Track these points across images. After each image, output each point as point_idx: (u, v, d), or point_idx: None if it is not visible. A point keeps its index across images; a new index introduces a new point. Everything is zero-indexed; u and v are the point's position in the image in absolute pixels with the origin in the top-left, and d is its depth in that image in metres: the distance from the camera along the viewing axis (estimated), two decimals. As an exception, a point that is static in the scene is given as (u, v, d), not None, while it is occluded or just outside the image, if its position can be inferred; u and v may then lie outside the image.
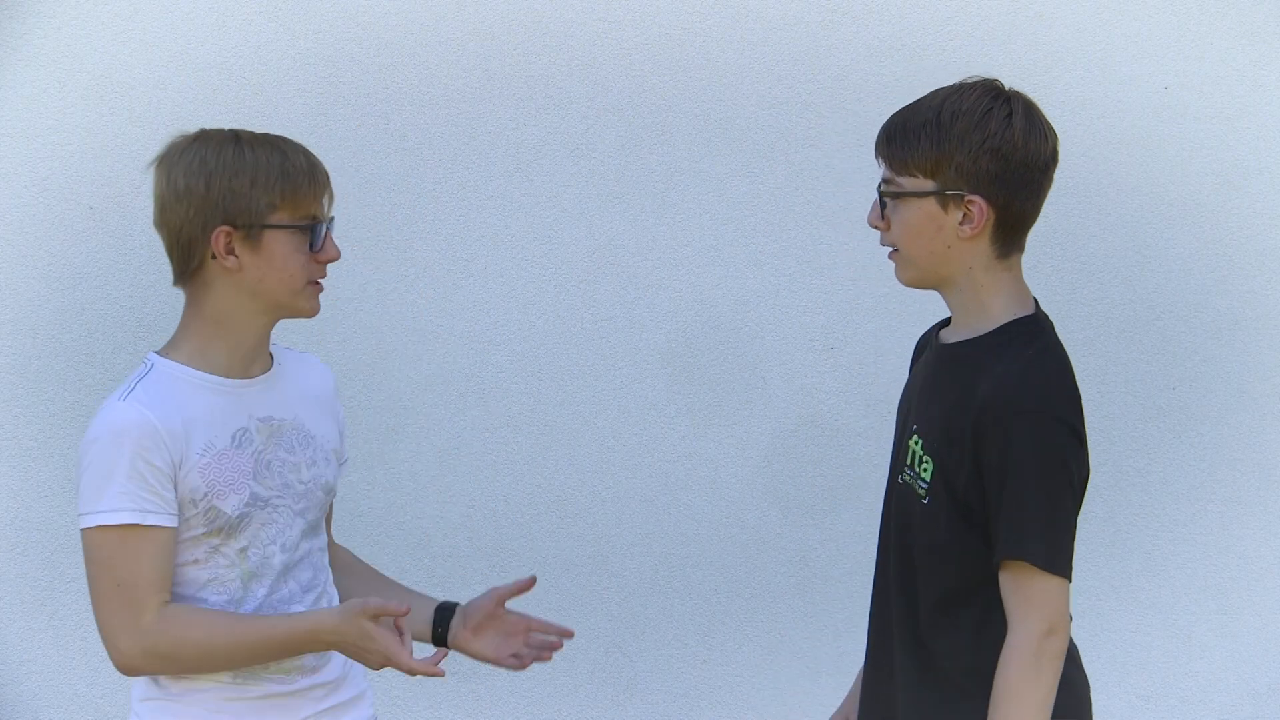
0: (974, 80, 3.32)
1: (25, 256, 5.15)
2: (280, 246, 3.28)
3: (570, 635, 3.50)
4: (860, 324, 5.29)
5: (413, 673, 3.20)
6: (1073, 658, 3.34)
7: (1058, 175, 3.38)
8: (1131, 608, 5.40)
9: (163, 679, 3.30)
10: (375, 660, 3.23)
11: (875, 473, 5.29)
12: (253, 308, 3.31)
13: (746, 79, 5.26)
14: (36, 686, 5.21)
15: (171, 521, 3.23)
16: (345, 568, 3.58)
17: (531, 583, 3.46)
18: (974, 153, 3.24)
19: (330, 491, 3.44)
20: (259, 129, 3.38)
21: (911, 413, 3.39)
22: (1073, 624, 3.41)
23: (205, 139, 3.29)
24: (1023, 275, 3.37)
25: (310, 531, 3.40)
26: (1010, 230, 3.29)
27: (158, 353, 3.32)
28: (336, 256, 3.34)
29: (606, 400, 5.29)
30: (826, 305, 5.27)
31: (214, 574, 3.30)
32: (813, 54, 5.27)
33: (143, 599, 3.22)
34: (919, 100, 3.33)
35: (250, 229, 3.25)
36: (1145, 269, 5.32)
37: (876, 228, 3.37)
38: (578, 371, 5.28)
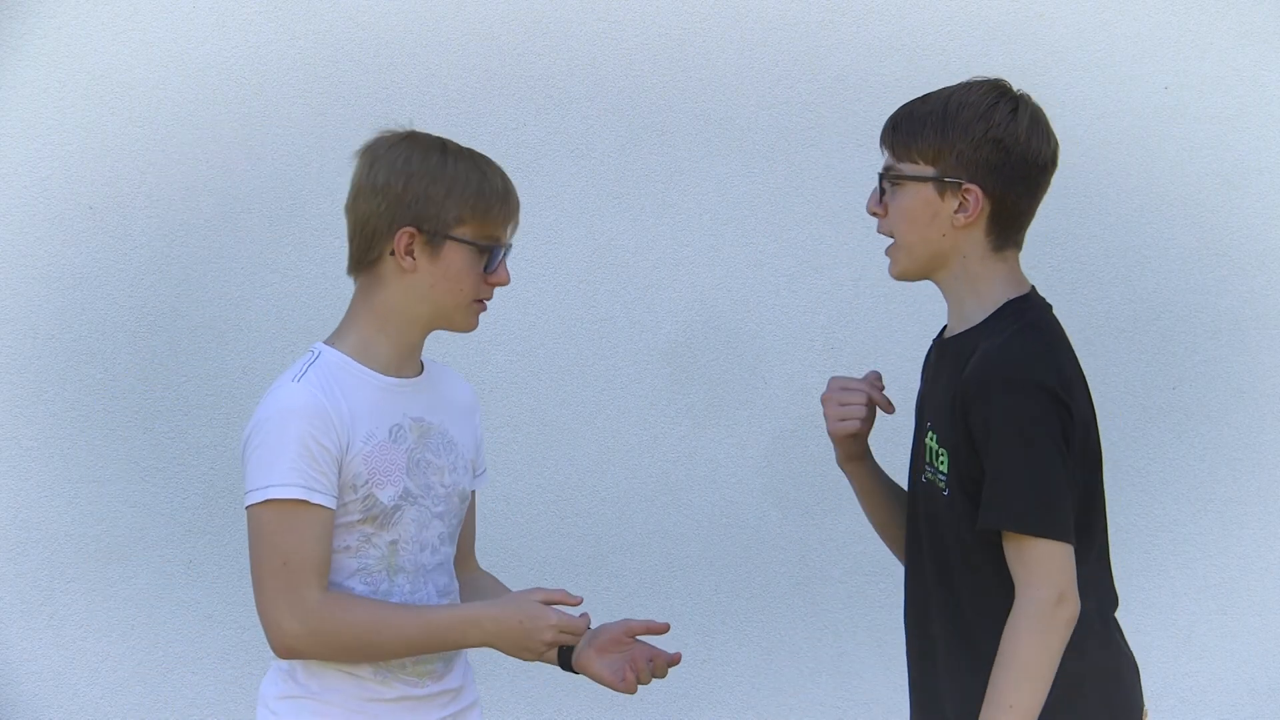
0: (982, 79, 3.37)
1: (25, 256, 5.16)
2: (458, 259, 3.34)
3: (664, 630, 3.61)
4: (860, 324, 5.29)
5: (579, 634, 3.38)
6: (1118, 647, 3.34)
7: (1058, 175, 3.39)
8: (1131, 608, 5.39)
9: (301, 676, 3.32)
10: (545, 639, 3.33)
11: (875, 473, 5.30)
12: (418, 311, 3.37)
13: (746, 79, 5.26)
14: (36, 687, 5.21)
15: (334, 505, 3.27)
16: (479, 590, 3.61)
17: (665, 628, 3.64)
18: (976, 141, 3.28)
19: (465, 499, 3.50)
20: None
21: (925, 411, 3.42)
22: (1111, 609, 3.40)
23: (414, 140, 3.36)
24: (1019, 267, 3.39)
25: (448, 537, 3.45)
26: (1005, 223, 3.32)
27: (324, 342, 3.37)
28: (507, 282, 3.40)
29: (606, 400, 5.29)
30: (826, 305, 5.27)
31: (363, 564, 3.33)
32: (813, 54, 5.27)
33: (309, 578, 3.24)
34: (928, 93, 3.38)
35: (434, 235, 3.32)
36: (1145, 269, 5.32)
37: (874, 214, 3.41)
38: (578, 371, 5.28)
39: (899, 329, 5.25)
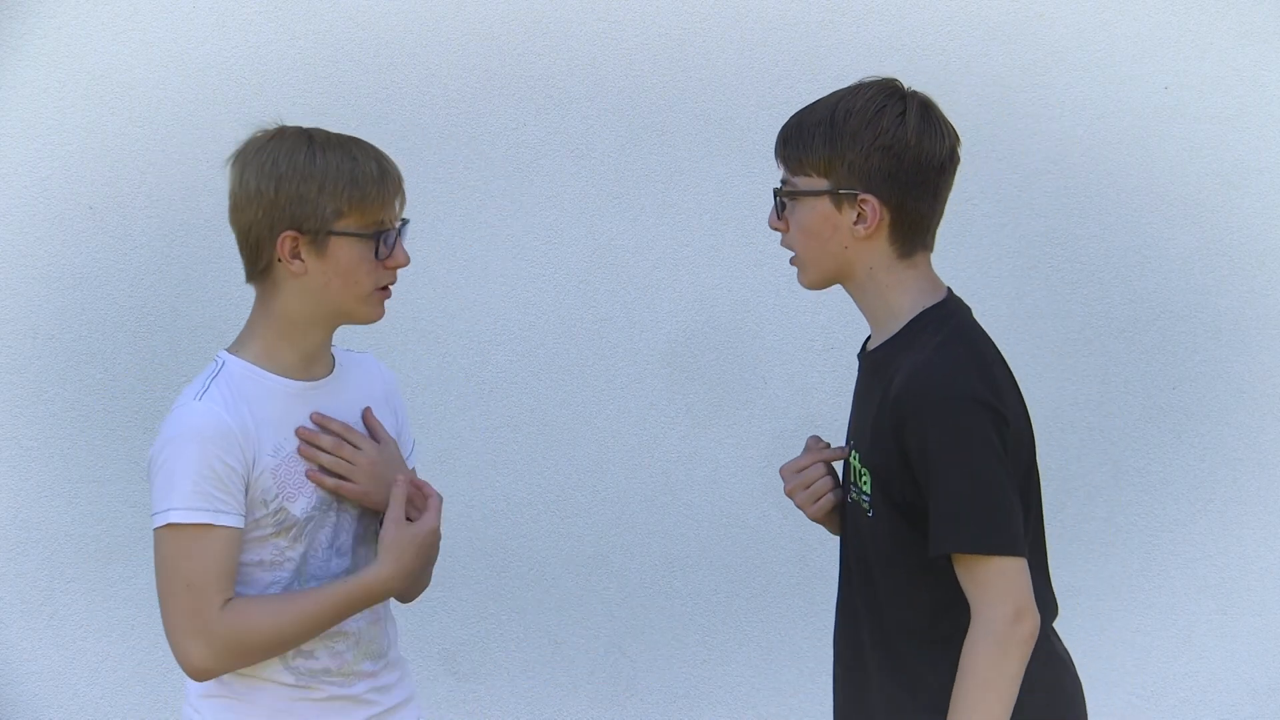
0: (872, 80, 3.29)
1: (25, 256, 5.16)
2: (346, 253, 3.27)
3: None
4: (860, 324, 5.27)
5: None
6: (1059, 658, 3.28)
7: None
8: (1131, 608, 5.40)
9: (226, 676, 3.30)
10: (433, 542, 3.29)
11: (875, 473, 5.30)
12: (317, 312, 3.30)
13: (746, 79, 5.26)
14: (37, 687, 5.21)
15: (241, 522, 3.24)
16: None
17: None
18: (865, 150, 3.20)
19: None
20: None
21: (851, 428, 3.37)
22: (1062, 621, 3.38)
23: (281, 138, 3.30)
24: (932, 269, 3.31)
25: (367, 537, 3.40)
26: (909, 230, 3.24)
27: (227, 350, 3.32)
28: (405, 262, 3.33)
29: (606, 400, 5.29)
30: (826, 305, 5.27)
31: (276, 576, 3.30)
32: (813, 54, 5.27)
33: (210, 598, 3.21)
34: (815, 101, 3.29)
35: (316, 235, 3.25)
36: (1145, 269, 5.32)
37: (775, 229, 3.32)
38: (578, 371, 5.28)
39: (899, 329, 5.26)
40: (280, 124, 3.35)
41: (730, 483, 5.31)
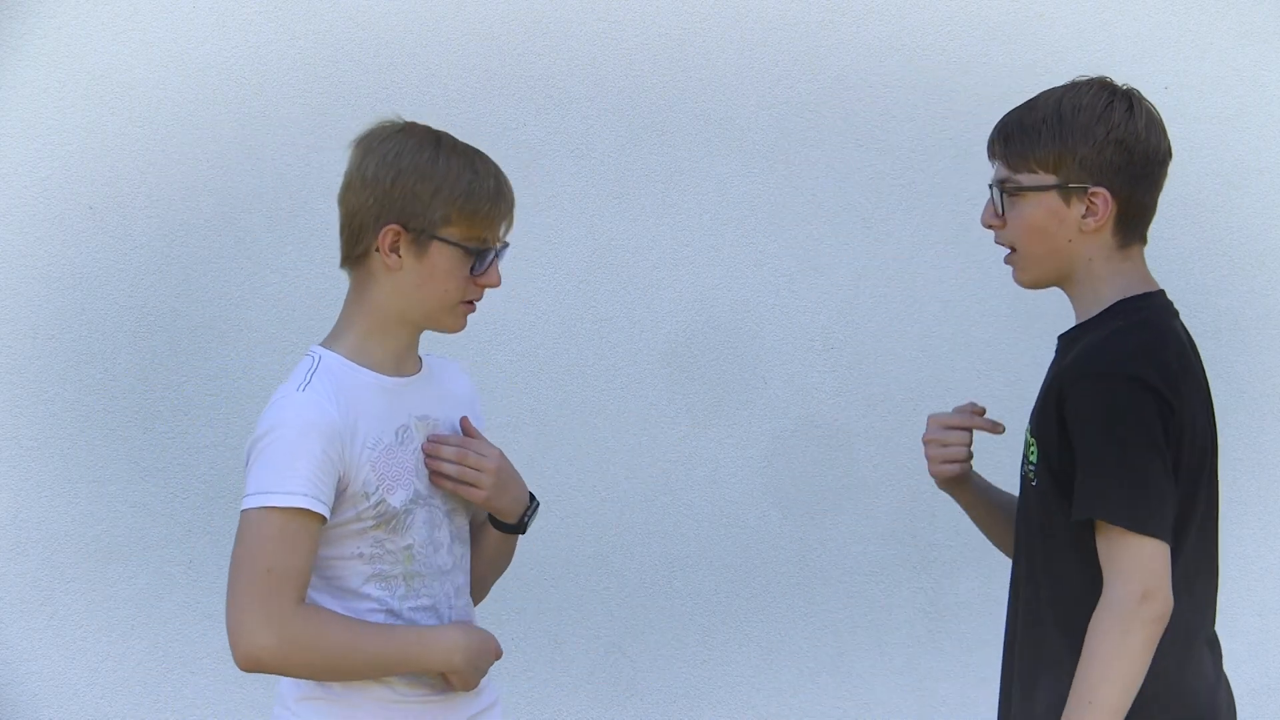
0: (1085, 78, 3.34)
1: (25, 256, 5.15)
2: (443, 260, 3.28)
3: None
4: (860, 324, 5.29)
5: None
6: (1193, 663, 3.26)
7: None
8: (1131, 608, 5.40)
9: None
10: (490, 657, 3.34)
11: (875, 473, 5.29)
12: (405, 310, 3.31)
13: (746, 79, 5.26)
14: (36, 686, 5.21)
15: (329, 517, 3.23)
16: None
17: None
18: (1099, 145, 3.26)
19: None
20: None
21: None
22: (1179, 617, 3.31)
23: (408, 133, 3.29)
24: (1144, 263, 3.37)
25: (460, 536, 3.42)
26: (1131, 221, 3.31)
27: (324, 346, 3.31)
28: (496, 283, 3.33)
29: (606, 400, 5.29)
30: (826, 305, 5.27)
31: (378, 569, 3.29)
32: (813, 54, 5.27)
33: (288, 590, 3.18)
34: (1031, 100, 3.33)
35: (419, 235, 3.26)
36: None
37: (991, 226, 3.36)
38: (578, 371, 5.28)
39: (899, 329, 5.25)
40: (409, 120, 3.35)
41: (730, 483, 5.31)
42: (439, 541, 3.36)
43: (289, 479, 3.18)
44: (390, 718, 3.30)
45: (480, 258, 3.30)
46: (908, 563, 5.29)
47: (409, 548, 3.31)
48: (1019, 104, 3.36)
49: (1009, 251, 3.36)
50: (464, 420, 3.44)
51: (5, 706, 5.21)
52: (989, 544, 3.63)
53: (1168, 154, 3.35)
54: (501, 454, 3.42)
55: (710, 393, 5.31)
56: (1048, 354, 3.45)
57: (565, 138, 5.23)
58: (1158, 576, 3.11)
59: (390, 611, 3.30)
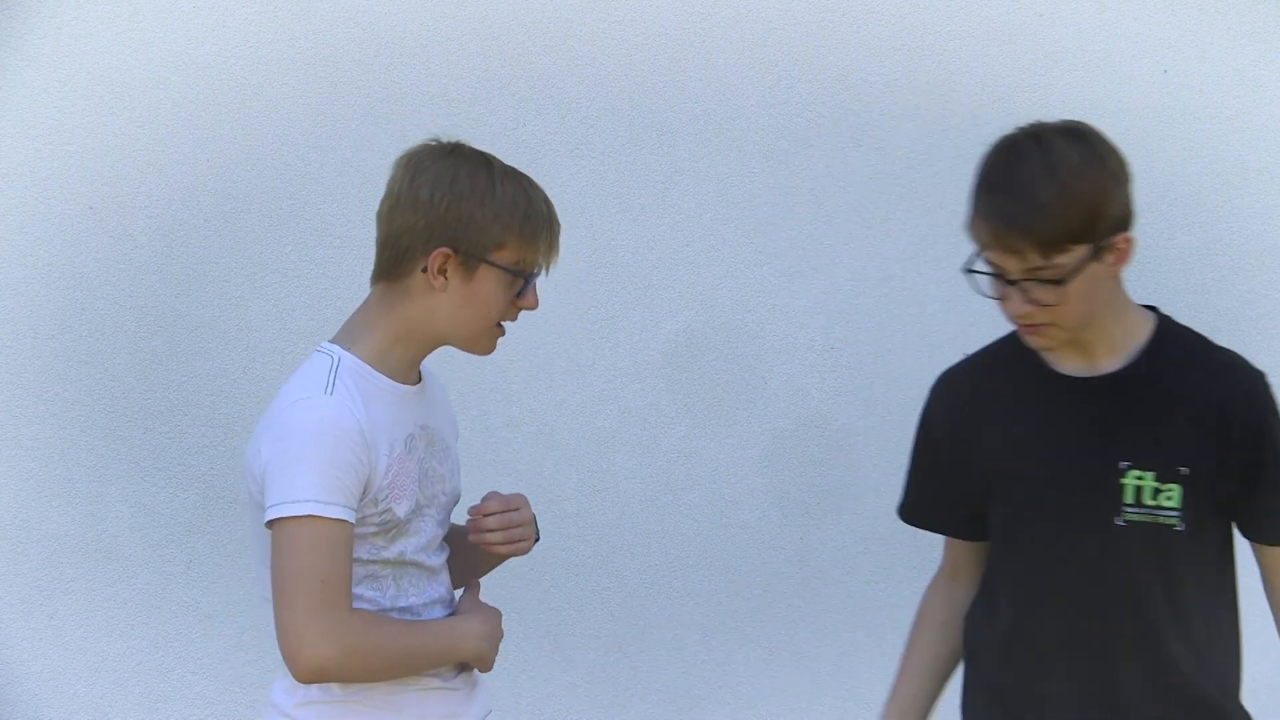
0: (1015, 133, 3.25)
1: (25, 256, 5.16)
2: (490, 284, 3.27)
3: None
4: (860, 324, 5.29)
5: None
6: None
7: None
8: (1131, 608, 5.39)
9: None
10: (498, 637, 3.39)
11: (875, 473, 5.29)
12: (438, 329, 3.30)
13: (746, 79, 5.26)
14: (36, 687, 5.21)
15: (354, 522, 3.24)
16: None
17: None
18: (1112, 195, 3.21)
19: (456, 502, 3.47)
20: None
21: (1091, 453, 3.33)
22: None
23: (459, 156, 3.27)
24: None
25: (444, 537, 3.43)
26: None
27: (339, 345, 3.29)
28: (535, 306, 3.35)
29: (606, 400, 5.29)
30: (826, 305, 5.27)
31: (370, 571, 3.29)
32: (813, 54, 5.27)
33: (343, 599, 3.16)
34: (1009, 179, 3.21)
35: (469, 258, 3.25)
36: (1145, 269, 5.31)
37: (1030, 319, 3.26)
38: (578, 371, 5.28)
39: (899, 329, 5.25)
40: (456, 140, 3.33)
41: (730, 483, 5.31)
42: (430, 546, 3.37)
43: (332, 489, 3.16)
44: (389, 706, 3.29)
45: (525, 283, 3.31)
46: (908, 563, 5.29)
47: (402, 552, 3.31)
48: (989, 189, 3.22)
49: (1036, 324, 3.27)
50: (490, 497, 3.48)
51: (5, 706, 5.21)
52: (989, 544, 3.64)
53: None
54: (526, 501, 3.50)
55: (710, 393, 5.31)
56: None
57: (565, 138, 5.23)
58: None
59: (379, 609, 3.30)
